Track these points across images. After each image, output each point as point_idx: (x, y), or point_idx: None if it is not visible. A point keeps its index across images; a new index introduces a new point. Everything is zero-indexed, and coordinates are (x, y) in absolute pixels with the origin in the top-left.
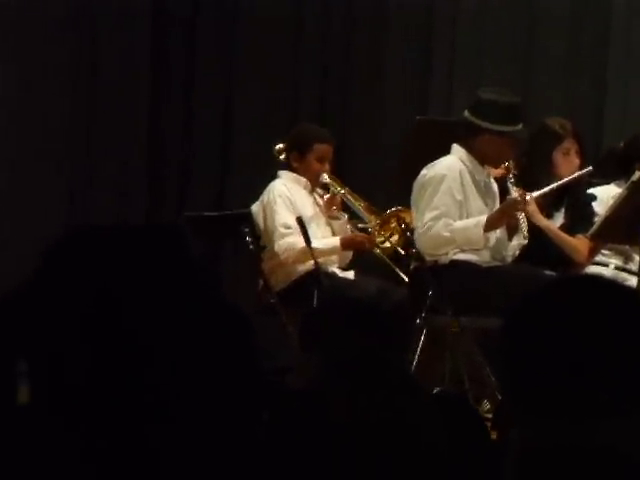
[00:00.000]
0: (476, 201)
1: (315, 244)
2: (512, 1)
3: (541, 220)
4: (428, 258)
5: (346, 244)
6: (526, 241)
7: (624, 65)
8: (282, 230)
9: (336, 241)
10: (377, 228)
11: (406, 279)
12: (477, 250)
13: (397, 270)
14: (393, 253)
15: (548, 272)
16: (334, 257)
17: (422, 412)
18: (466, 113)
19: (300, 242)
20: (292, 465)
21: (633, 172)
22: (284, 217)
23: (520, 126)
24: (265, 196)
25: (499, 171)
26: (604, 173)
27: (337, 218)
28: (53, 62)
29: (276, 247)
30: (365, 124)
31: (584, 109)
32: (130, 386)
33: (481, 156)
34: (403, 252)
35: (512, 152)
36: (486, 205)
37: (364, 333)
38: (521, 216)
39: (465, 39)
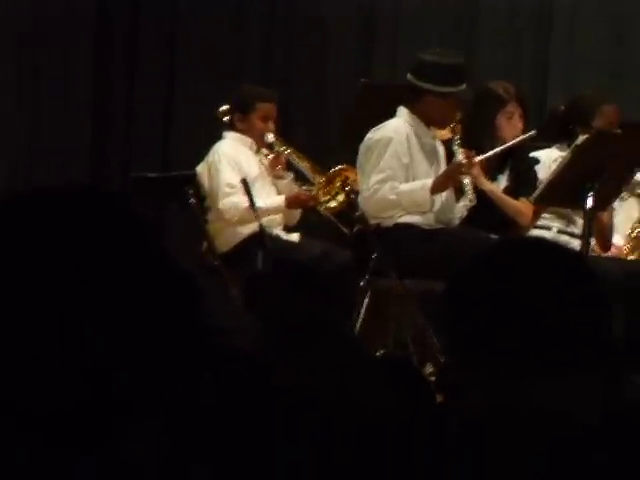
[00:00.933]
0: (422, 163)
1: (259, 203)
2: None
3: (485, 183)
4: (372, 221)
5: (291, 202)
6: (473, 203)
7: (568, 26)
8: (226, 189)
9: (281, 200)
10: (322, 187)
11: (349, 234)
12: (422, 213)
13: (342, 228)
14: (338, 212)
15: (492, 235)
16: (278, 219)
17: (366, 375)
18: (409, 76)
19: (244, 201)
20: (236, 427)
21: (574, 135)
22: (229, 177)
23: (464, 86)
24: (210, 157)
25: (445, 133)
26: (546, 136)
27: (282, 177)
28: None
29: (220, 206)
30: (309, 84)
31: (528, 72)
32: (76, 352)
33: (426, 118)
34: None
35: (456, 113)
36: (432, 167)
37: (307, 295)
38: (467, 179)
39: (410, 2)
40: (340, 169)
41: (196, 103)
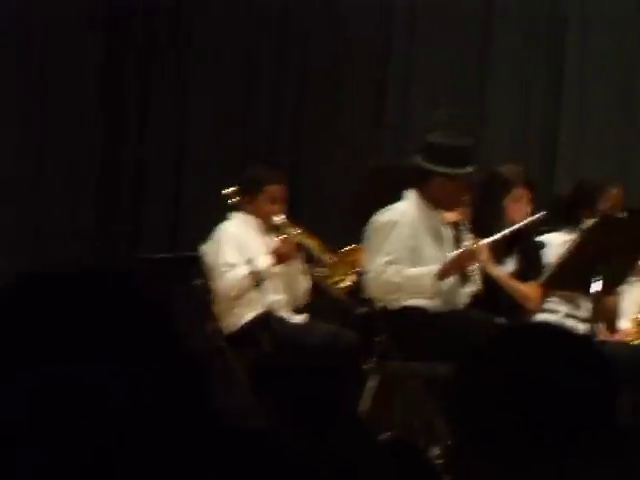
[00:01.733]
0: (429, 247)
1: (250, 268)
2: (465, 47)
3: (492, 269)
4: (378, 303)
5: (276, 257)
6: (479, 289)
7: (575, 113)
8: (222, 269)
9: (268, 259)
10: (334, 266)
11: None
12: (430, 297)
13: (353, 308)
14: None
15: (498, 318)
16: (283, 300)
17: (373, 458)
18: (417, 158)
19: (240, 274)
20: None
21: (580, 219)
22: (229, 257)
23: (472, 168)
24: (214, 236)
25: (453, 216)
26: (553, 220)
27: (292, 258)
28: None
29: (219, 285)
30: (319, 167)
31: (537, 154)
32: (84, 433)
33: (434, 200)
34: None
35: (464, 195)
36: (439, 251)
37: (314, 377)
38: (474, 265)
39: (419, 87)
40: (351, 249)
41: (205, 182)
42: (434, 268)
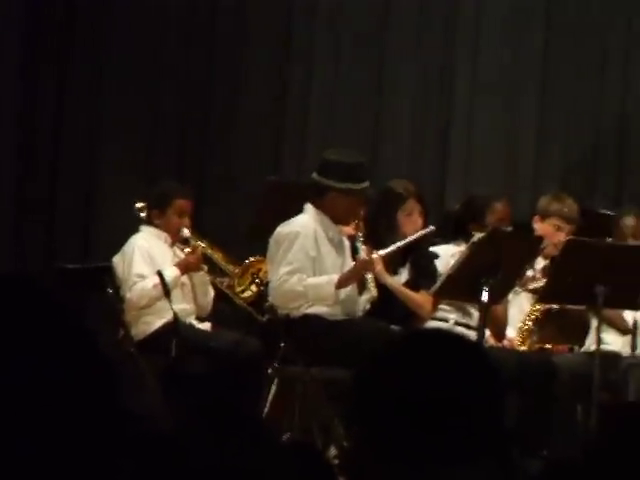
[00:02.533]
0: (329, 256)
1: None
2: (361, 68)
3: (387, 278)
4: (281, 311)
5: (182, 268)
6: (375, 296)
7: (465, 132)
8: (134, 279)
9: (175, 270)
10: (237, 277)
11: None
12: (329, 305)
13: (256, 316)
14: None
15: (394, 326)
16: (190, 309)
17: (273, 459)
18: (314, 174)
19: (150, 285)
20: None
21: (469, 232)
22: (139, 268)
23: (366, 184)
24: (124, 249)
25: (349, 228)
26: (444, 233)
27: (198, 270)
28: None
29: (128, 295)
30: (221, 180)
31: (434, 175)
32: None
33: (331, 214)
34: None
35: (359, 209)
36: (338, 260)
37: (220, 382)
38: (369, 274)
39: (318, 107)
40: (253, 261)
41: (117, 197)
42: (334, 277)
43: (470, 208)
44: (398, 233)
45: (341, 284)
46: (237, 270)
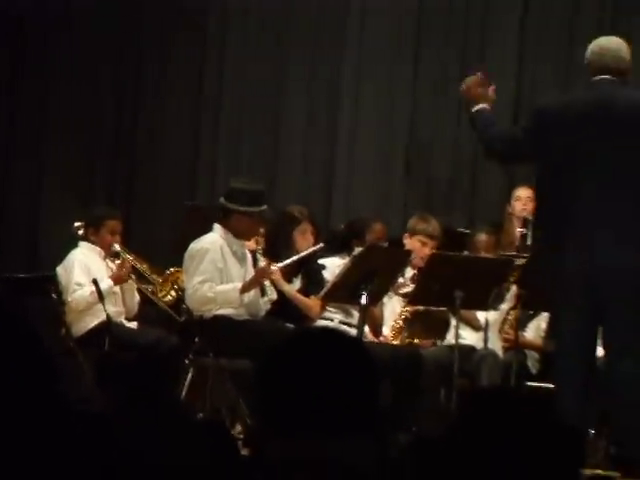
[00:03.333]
0: (234, 267)
1: (94, 288)
2: (261, 110)
3: (284, 286)
4: (196, 313)
5: (114, 280)
6: (274, 299)
7: (347, 162)
8: (74, 287)
9: (109, 282)
10: (159, 284)
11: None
12: (235, 308)
13: (175, 316)
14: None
15: (289, 324)
16: (120, 310)
17: (189, 434)
18: (221, 199)
19: (87, 292)
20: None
21: (351, 247)
22: (78, 278)
23: (264, 207)
24: (66, 261)
25: (251, 244)
26: (330, 248)
27: (127, 279)
28: None
29: (69, 299)
30: (147, 203)
31: (323, 200)
32: None
33: (235, 232)
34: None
35: (259, 228)
36: (242, 270)
37: (145, 371)
38: (268, 281)
39: (229, 135)
40: (173, 271)
41: (58, 217)
42: (238, 284)
43: (353, 228)
44: (293, 249)
45: (244, 290)
46: (159, 279)
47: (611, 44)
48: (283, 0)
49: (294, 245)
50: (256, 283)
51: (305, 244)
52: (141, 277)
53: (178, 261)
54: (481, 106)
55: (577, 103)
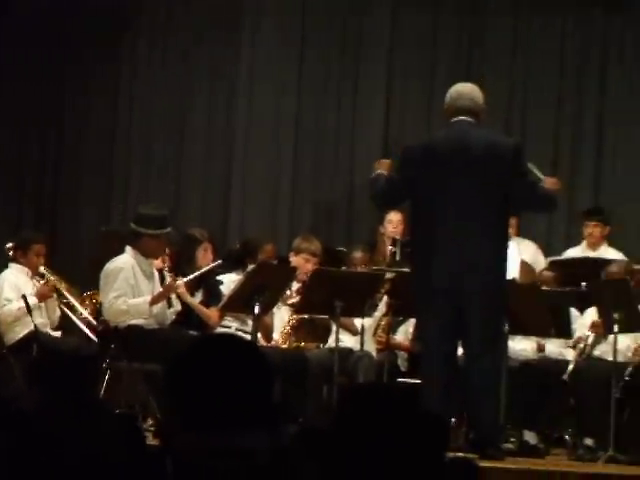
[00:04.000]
0: (144, 283)
1: (21, 304)
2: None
3: (187, 298)
4: (112, 323)
5: (39, 297)
6: (178, 310)
7: (243, 183)
8: (3, 302)
9: (34, 299)
10: (81, 302)
11: (93, 337)
12: (145, 318)
13: (87, 331)
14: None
15: (192, 332)
16: (47, 321)
17: (106, 426)
18: (131, 224)
19: (15, 307)
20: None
21: (246, 265)
22: (7, 294)
23: (168, 229)
24: None
25: (159, 262)
26: (227, 265)
27: (50, 297)
28: None
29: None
30: (69, 229)
31: (220, 223)
32: None
33: (143, 252)
34: (94, 320)
35: (165, 248)
36: (150, 285)
37: (68, 373)
38: (174, 294)
39: (138, 171)
40: (91, 293)
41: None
42: (148, 298)
43: (247, 247)
44: (196, 265)
45: (153, 302)
46: (78, 299)
47: (465, 89)
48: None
49: (196, 262)
50: (164, 296)
51: (205, 261)
52: (61, 295)
53: (95, 277)
54: (379, 172)
55: (438, 142)
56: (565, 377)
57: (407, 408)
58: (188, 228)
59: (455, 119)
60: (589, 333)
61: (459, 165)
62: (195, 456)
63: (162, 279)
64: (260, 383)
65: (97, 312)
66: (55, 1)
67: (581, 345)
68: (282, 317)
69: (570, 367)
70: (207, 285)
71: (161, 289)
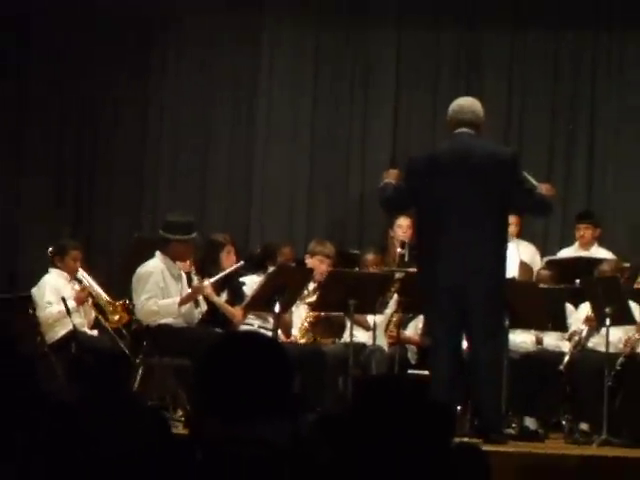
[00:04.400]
0: (173, 285)
1: (61, 307)
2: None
3: (214, 298)
4: (144, 323)
5: (77, 301)
6: (205, 310)
7: (260, 195)
8: (45, 304)
9: (73, 303)
10: (109, 308)
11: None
12: (175, 318)
13: (116, 337)
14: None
15: (218, 329)
16: (83, 321)
17: (141, 416)
18: (160, 231)
19: (55, 310)
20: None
21: (266, 267)
22: (48, 297)
23: (194, 234)
24: (40, 283)
25: (186, 265)
26: (249, 267)
27: (86, 302)
28: None
29: (41, 314)
30: (101, 236)
31: (242, 228)
32: None
33: (172, 256)
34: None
35: (192, 252)
36: (178, 287)
37: (104, 369)
38: (201, 295)
39: (165, 182)
40: (122, 302)
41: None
42: (177, 299)
43: (267, 251)
44: (220, 267)
45: (182, 303)
46: (110, 302)
47: (467, 102)
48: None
49: (221, 264)
50: (192, 297)
51: (229, 263)
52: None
53: (128, 280)
54: (387, 181)
55: (441, 153)
56: (561, 367)
57: (417, 398)
58: (212, 234)
59: (457, 131)
60: (583, 327)
61: (461, 175)
62: (221, 444)
63: (189, 281)
64: (281, 376)
65: (131, 313)
66: (86, 15)
67: (576, 338)
68: (300, 315)
69: (566, 358)
70: (231, 286)
71: (189, 290)
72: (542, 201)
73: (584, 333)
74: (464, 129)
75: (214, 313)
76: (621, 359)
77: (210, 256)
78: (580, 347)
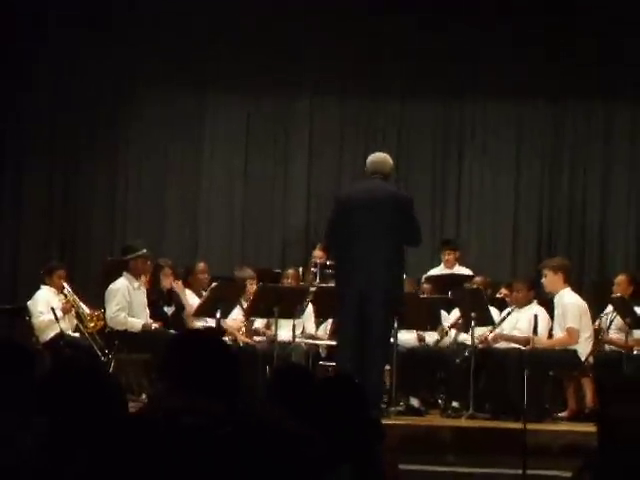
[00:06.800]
0: (136, 297)
1: (51, 316)
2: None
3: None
4: (114, 329)
5: (63, 311)
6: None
7: (208, 229)
8: (38, 313)
9: (60, 312)
10: (89, 318)
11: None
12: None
13: (97, 338)
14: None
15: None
16: (68, 326)
17: (119, 400)
18: (122, 254)
19: (46, 318)
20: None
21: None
22: (40, 308)
23: (142, 251)
24: (34, 296)
25: (146, 282)
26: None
27: (71, 311)
28: None
29: (35, 321)
30: (82, 260)
31: (187, 253)
32: None
33: (133, 273)
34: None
35: (147, 267)
36: (139, 296)
37: (91, 364)
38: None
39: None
40: (98, 312)
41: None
42: (142, 322)
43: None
44: (160, 284)
45: (145, 327)
46: (90, 313)
47: (379, 157)
48: None
49: (161, 281)
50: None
51: (167, 281)
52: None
53: (102, 294)
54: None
55: (356, 192)
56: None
57: (327, 379)
58: (159, 259)
59: (371, 177)
60: (452, 330)
61: (369, 208)
62: (173, 415)
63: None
64: (220, 364)
65: (104, 320)
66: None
67: (445, 337)
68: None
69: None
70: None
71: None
72: (418, 235)
73: (452, 334)
74: (376, 176)
75: (167, 324)
76: (470, 349)
77: (155, 275)
78: (454, 342)
